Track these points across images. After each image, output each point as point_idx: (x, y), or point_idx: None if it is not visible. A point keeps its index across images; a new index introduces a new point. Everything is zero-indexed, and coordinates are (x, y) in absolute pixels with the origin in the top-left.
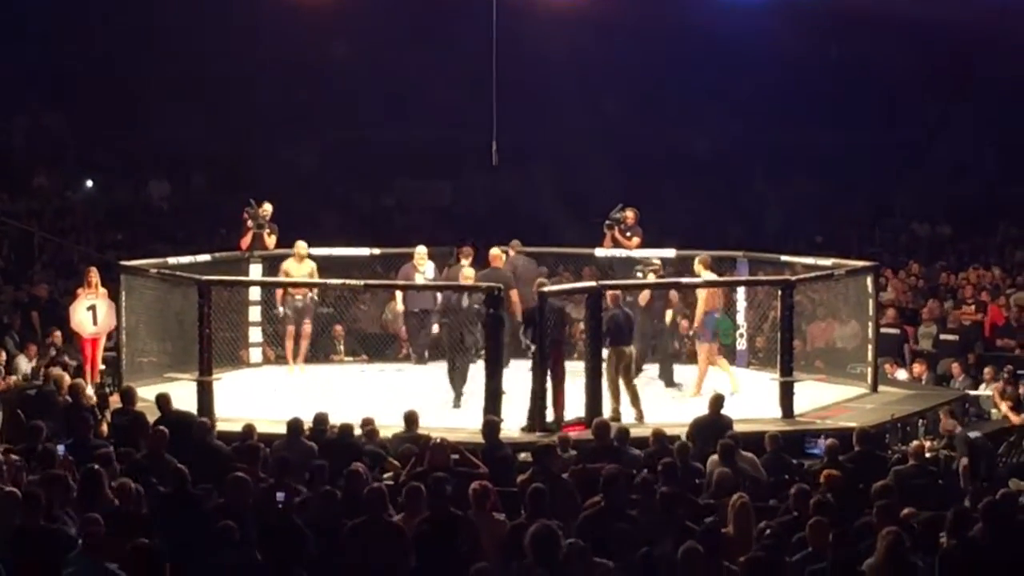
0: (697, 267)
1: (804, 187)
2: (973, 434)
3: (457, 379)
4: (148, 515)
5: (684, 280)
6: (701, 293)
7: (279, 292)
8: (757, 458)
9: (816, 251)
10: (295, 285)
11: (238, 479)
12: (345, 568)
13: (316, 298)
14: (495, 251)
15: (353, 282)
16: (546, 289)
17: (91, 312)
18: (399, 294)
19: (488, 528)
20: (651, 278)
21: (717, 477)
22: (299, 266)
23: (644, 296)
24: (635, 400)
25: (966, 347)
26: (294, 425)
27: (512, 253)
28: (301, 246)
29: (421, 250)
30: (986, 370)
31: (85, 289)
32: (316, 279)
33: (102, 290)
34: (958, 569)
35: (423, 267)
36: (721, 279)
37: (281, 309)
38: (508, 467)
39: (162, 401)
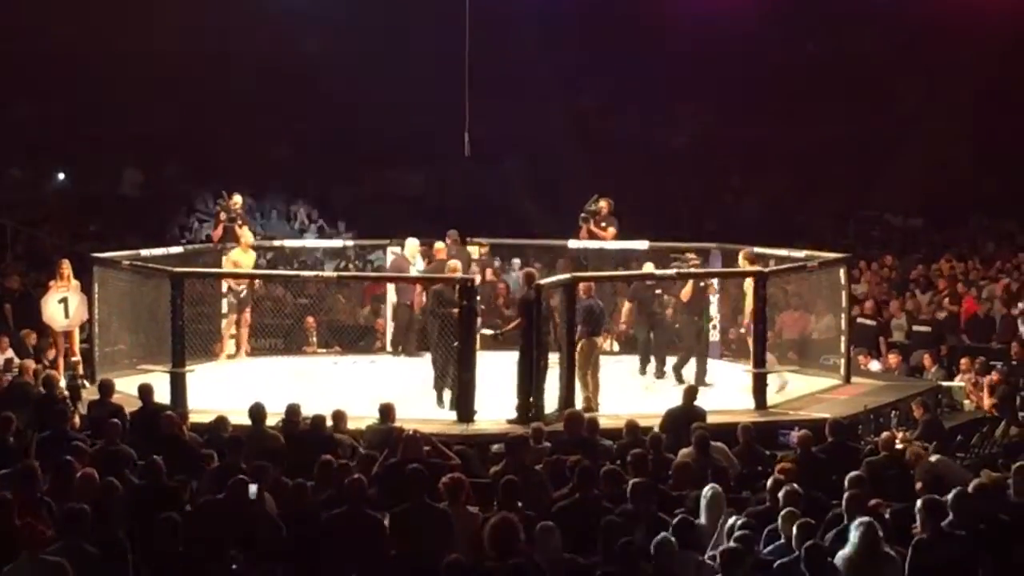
0: (741, 261)
1: (779, 179)
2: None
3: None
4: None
5: (658, 272)
6: (750, 288)
7: (224, 283)
8: (729, 449)
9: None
10: (264, 277)
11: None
12: (323, 559)
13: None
14: (439, 244)
15: (327, 274)
16: (543, 282)
17: (63, 305)
18: (390, 286)
19: (461, 521)
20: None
21: (675, 467)
22: (246, 256)
23: (686, 292)
24: (595, 391)
25: (939, 339)
26: (255, 413)
27: (448, 243)
28: (247, 234)
29: (412, 242)
30: (963, 361)
31: (57, 282)
32: (276, 271)
33: (74, 282)
34: (931, 560)
35: (415, 260)
36: (694, 271)
37: (229, 298)
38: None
39: (144, 392)
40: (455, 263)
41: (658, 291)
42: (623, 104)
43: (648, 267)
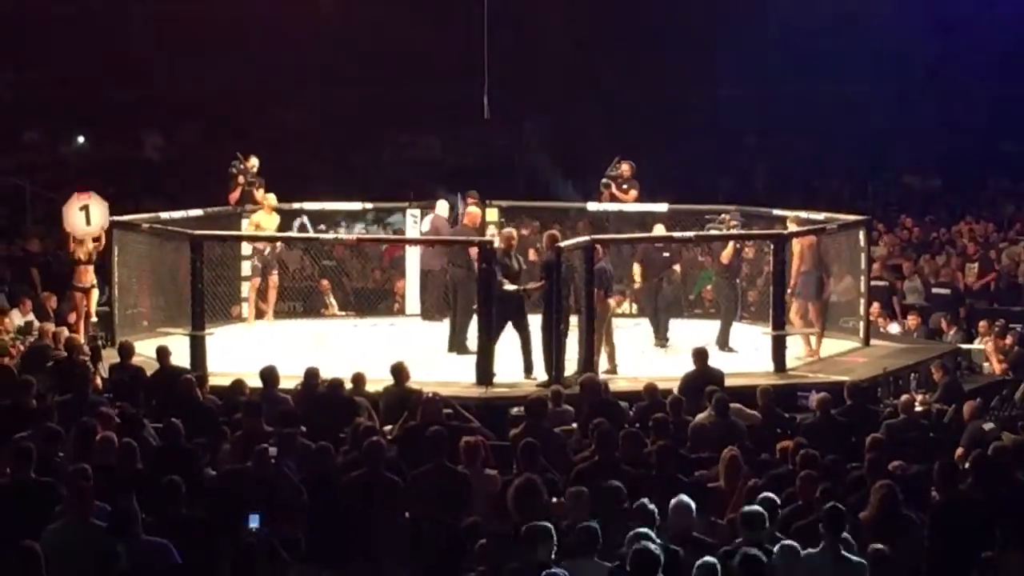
0: (790, 226)
1: (795, 141)
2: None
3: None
4: (139, 470)
5: (677, 235)
6: (795, 250)
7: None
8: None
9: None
10: (284, 239)
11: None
12: (342, 521)
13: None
14: (472, 209)
15: (346, 236)
16: (563, 244)
17: (84, 212)
18: (414, 252)
19: (480, 484)
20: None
21: (693, 430)
22: (269, 218)
23: (726, 254)
24: (612, 354)
25: (958, 301)
26: (268, 375)
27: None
28: (270, 198)
29: (443, 204)
30: (981, 324)
31: (79, 193)
32: (295, 234)
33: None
34: (949, 522)
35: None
36: (714, 234)
37: (254, 262)
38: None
39: (161, 354)
40: (510, 230)
41: (666, 254)
42: (640, 65)
43: (659, 229)
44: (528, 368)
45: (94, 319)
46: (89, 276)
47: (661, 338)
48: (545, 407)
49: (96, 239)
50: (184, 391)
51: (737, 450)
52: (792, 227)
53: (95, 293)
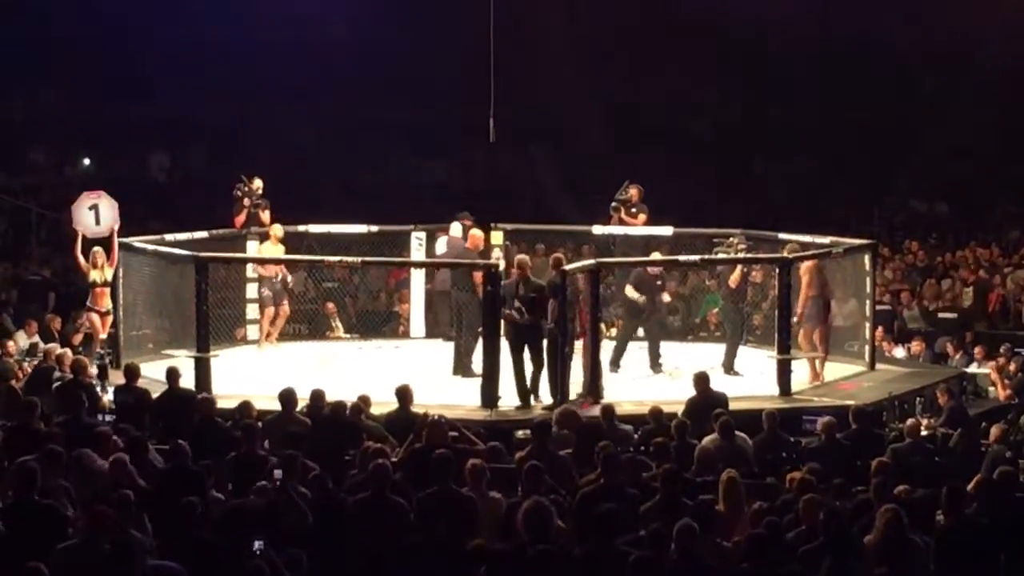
0: (787, 252)
1: (803, 165)
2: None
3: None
4: (144, 492)
5: (682, 258)
6: (804, 277)
7: (260, 273)
8: (752, 436)
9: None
10: (290, 262)
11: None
12: (347, 544)
13: (289, 280)
14: (475, 231)
15: (350, 259)
16: (567, 268)
17: (93, 212)
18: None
19: (485, 506)
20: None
21: (698, 454)
22: (274, 248)
23: (734, 278)
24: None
25: (963, 325)
26: (286, 398)
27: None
28: (276, 228)
29: (457, 226)
30: (976, 349)
31: (88, 192)
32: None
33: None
34: (955, 547)
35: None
36: (719, 258)
37: (265, 290)
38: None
39: (171, 375)
40: (523, 257)
41: (658, 282)
42: (646, 89)
43: (655, 255)
44: (524, 396)
45: (103, 335)
46: (107, 300)
47: (654, 364)
48: (551, 430)
49: (109, 247)
50: (203, 411)
51: (735, 473)
52: (788, 253)
53: (109, 319)
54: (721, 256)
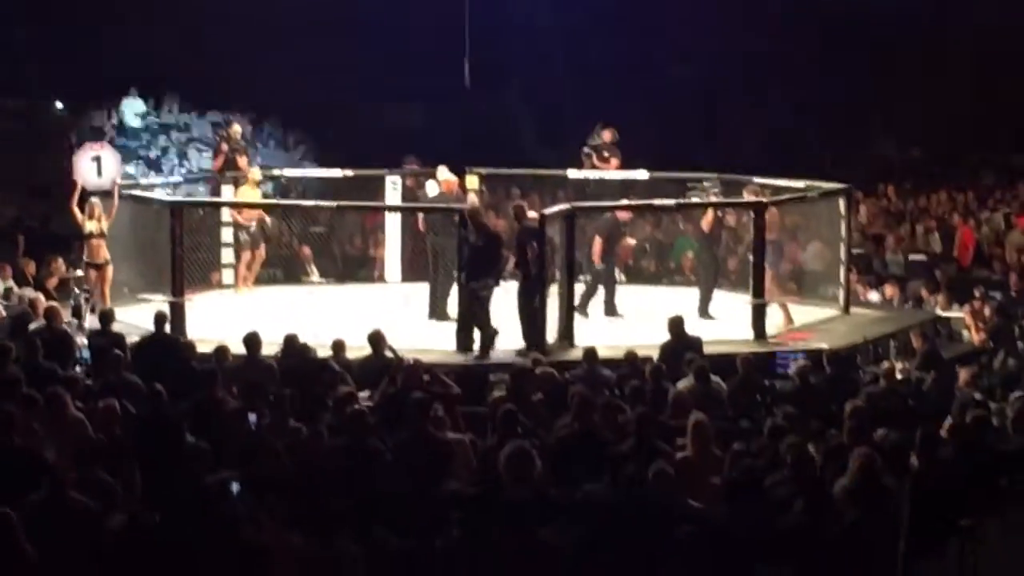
0: (746, 195)
1: (778, 111)
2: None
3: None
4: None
5: (657, 202)
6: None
7: (235, 217)
8: (727, 380)
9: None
10: (264, 206)
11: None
12: (326, 490)
13: (267, 222)
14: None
15: (326, 203)
16: (547, 212)
17: (96, 163)
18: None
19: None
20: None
21: (673, 398)
22: (252, 191)
23: (707, 221)
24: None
25: (934, 267)
26: (251, 342)
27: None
28: (255, 171)
29: (443, 170)
30: (939, 297)
31: (91, 143)
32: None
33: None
34: (929, 490)
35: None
36: (694, 201)
37: (242, 234)
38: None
39: (158, 320)
40: (473, 198)
41: (624, 228)
42: (622, 32)
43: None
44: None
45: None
46: (103, 252)
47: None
48: (531, 376)
49: (109, 203)
50: (184, 355)
51: (703, 416)
52: (748, 197)
53: (110, 269)
54: (696, 200)
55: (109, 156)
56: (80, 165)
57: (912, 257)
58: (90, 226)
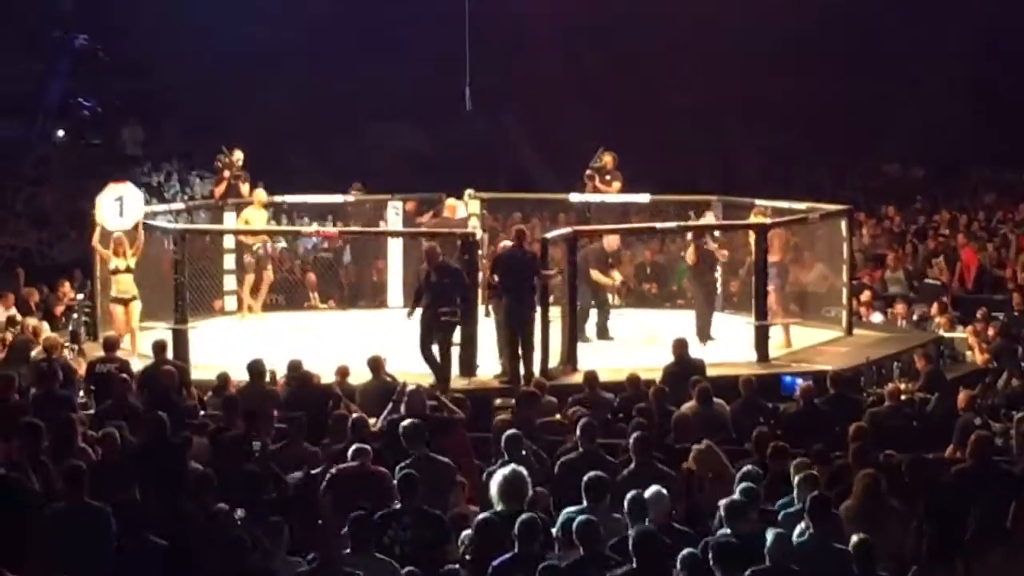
0: (753, 217)
1: (778, 134)
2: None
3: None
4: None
5: (659, 225)
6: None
7: (240, 239)
8: (730, 403)
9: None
10: (267, 232)
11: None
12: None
13: (275, 246)
14: (451, 201)
15: (328, 229)
16: (549, 236)
17: (118, 204)
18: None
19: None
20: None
21: (676, 421)
22: (259, 214)
23: (690, 256)
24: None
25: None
26: (255, 369)
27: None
28: (260, 194)
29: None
30: (943, 319)
31: (114, 183)
32: (277, 227)
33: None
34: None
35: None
36: (695, 223)
37: (247, 256)
38: None
39: (157, 348)
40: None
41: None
42: (623, 56)
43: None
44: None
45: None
46: (130, 287)
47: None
48: (537, 398)
49: (133, 237)
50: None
51: (709, 443)
52: (754, 219)
53: (137, 305)
54: (696, 223)
55: (132, 196)
56: (103, 206)
57: (927, 280)
58: (116, 262)
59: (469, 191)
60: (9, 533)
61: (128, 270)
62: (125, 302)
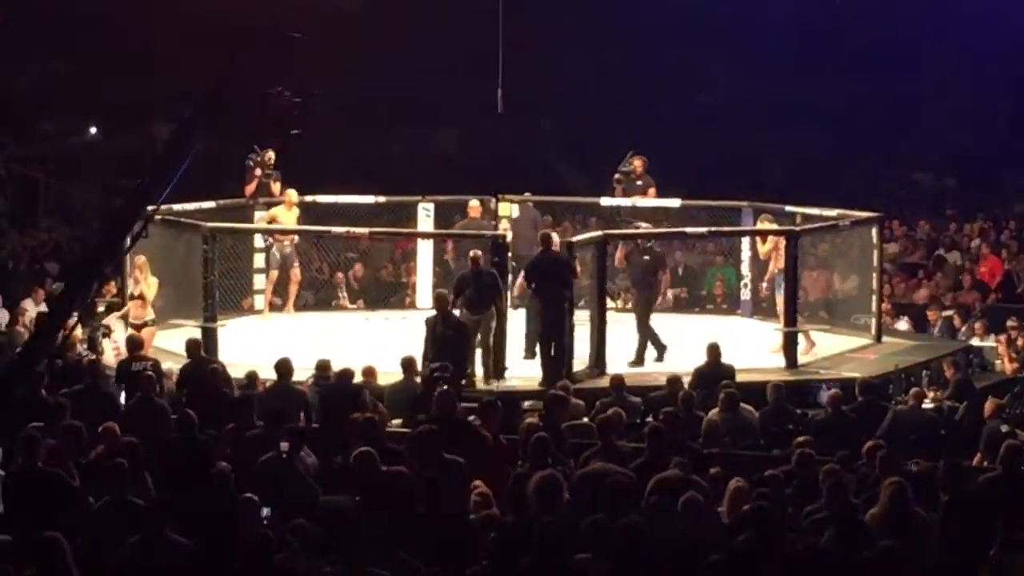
0: (761, 224)
1: (807, 138)
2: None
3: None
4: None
5: (689, 230)
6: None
7: (265, 240)
8: (759, 408)
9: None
10: (296, 232)
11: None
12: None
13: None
14: (474, 203)
15: (358, 229)
16: (575, 240)
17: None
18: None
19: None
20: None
21: (705, 426)
22: (288, 213)
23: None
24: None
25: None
26: (282, 368)
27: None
28: (291, 194)
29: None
30: (977, 325)
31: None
32: (305, 226)
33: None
34: (959, 520)
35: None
36: (727, 229)
37: (276, 253)
38: None
39: (191, 346)
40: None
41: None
42: (652, 60)
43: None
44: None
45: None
46: (145, 312)
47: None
48: (565, 403)
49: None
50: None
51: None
52: (763, 225)
53: (151, 332)
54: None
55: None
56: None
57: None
58: (132, 288)
59: (504, 196)
60: (49, 527)
61: (142, 296)
62: (137, 328)
